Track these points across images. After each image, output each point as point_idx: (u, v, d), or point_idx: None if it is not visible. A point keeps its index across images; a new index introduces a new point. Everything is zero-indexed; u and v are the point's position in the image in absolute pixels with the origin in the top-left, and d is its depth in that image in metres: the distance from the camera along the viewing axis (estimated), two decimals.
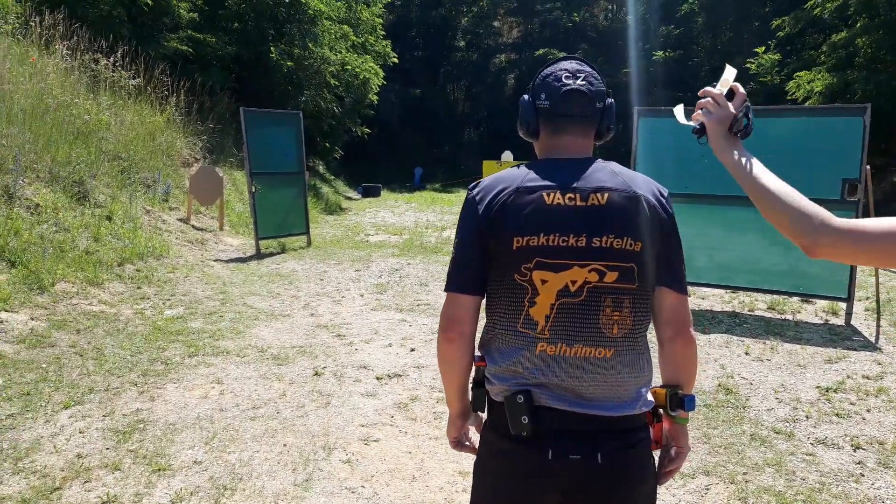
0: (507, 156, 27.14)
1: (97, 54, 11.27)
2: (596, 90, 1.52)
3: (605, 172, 1.48)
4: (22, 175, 6.98)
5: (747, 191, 1.32)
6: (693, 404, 1.50)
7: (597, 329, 1.41)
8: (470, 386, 1.60)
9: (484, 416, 1.59)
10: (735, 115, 1.38)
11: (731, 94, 1.41)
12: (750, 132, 1.39)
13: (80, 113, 9.30)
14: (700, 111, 1.43)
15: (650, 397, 1.49)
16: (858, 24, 16.36)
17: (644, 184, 1.49)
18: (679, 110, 1.56)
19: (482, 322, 1.58)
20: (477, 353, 1.57)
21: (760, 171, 1.31)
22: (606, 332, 1.41)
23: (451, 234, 12.39)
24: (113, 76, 11.37)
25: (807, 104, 16.85)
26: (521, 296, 1.44)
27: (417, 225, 13.94)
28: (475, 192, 1.53)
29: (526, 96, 1.59)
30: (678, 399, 1.50)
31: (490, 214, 1.46)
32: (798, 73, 17.99)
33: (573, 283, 1.41)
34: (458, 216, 1.57)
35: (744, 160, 1.34)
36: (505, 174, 1.52)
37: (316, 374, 4.67)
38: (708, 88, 1.43)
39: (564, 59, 1.59)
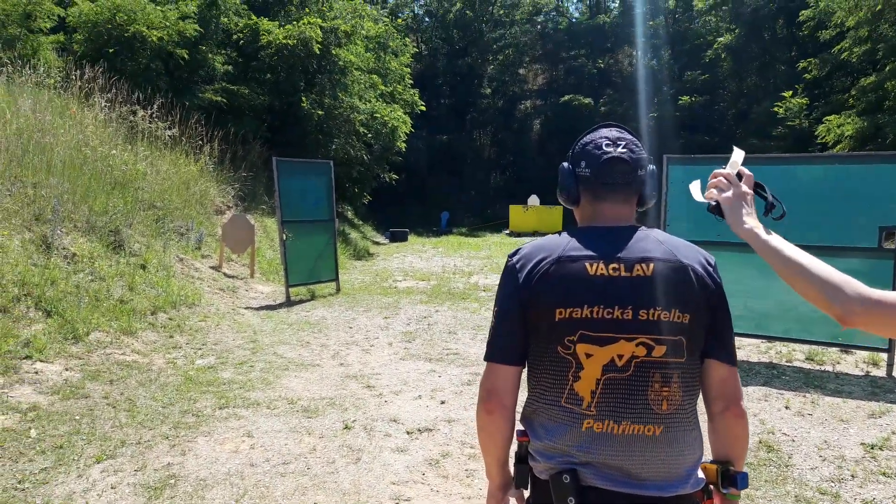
0: (534, 200, 27.28)
1: (135, 106, 11.68)
2: (637, 157, 1.50)
3: (650, 241, 1.45)
4: (60, 225, 7.16)
5: (772, 263, 1.31)
6: (746, 482, 1.44)
7: (645, 405, 1.36)
8: (511, 461, 1.56)
9: (526, 492, 1.54)
10: (748, 195, 1.41)
11: (738, 176, 1.44)
12: (782, 214, 1.42)
13: (118, 163, 9.55)
14: (713, 190, 1.44)
15: (701, 475, 1.43)
16: (888, 68, 16.29)
17: (690, 252, 1.46)
18: (696, 186, 1.55)
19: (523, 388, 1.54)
20: (519, 426, 1.53)
21: (783, 243, 1.31)
22: (655, 409, 1.37)
23: (479, 279, 12.39)
24: (150, 127, 11.73)
25: (837, 148, 16.72)
26: (564, 369, 1.40)
27: (445, 270, 13.93)
28: (515, 259, 1.50)
29: (566, 164, 1.57)
30: (730, 477, 1.44)
31: (531, 284, 1.43)
32: (828, 117, 17.90)
33: (620, 357, 1.37)
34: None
35: (764, 234, 1.34)
36: (546, 242, 1.49)
37: (346, 427, 4.62)
38: (718, 170, 1.45)
39: (604, 126, 1.57)
